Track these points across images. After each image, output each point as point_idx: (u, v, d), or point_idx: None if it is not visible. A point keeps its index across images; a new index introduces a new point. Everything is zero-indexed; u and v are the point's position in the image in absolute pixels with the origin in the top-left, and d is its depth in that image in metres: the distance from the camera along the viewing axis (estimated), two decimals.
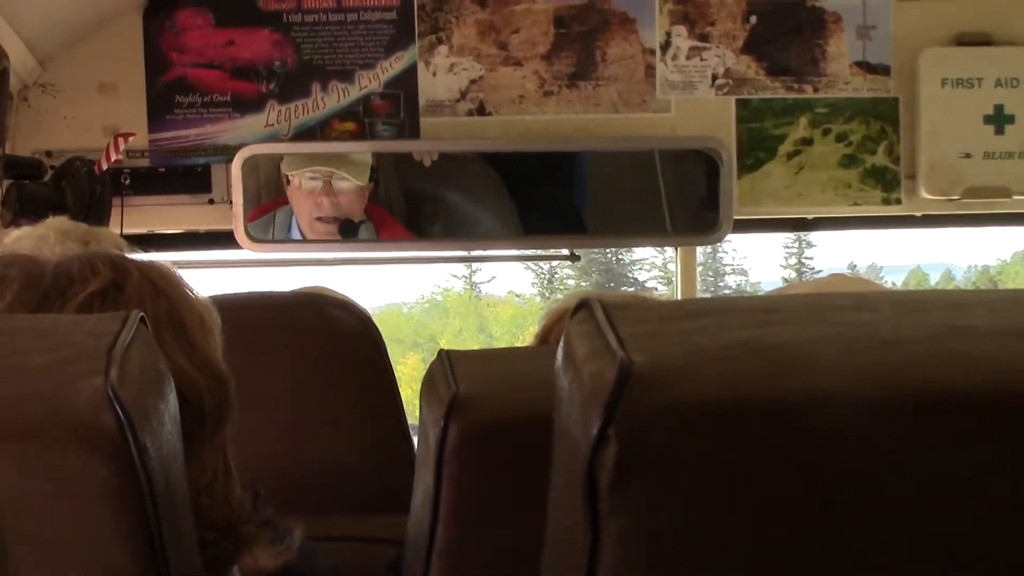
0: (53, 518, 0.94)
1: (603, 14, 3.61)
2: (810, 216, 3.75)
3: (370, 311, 2.69)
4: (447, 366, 1.69)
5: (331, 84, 3.59)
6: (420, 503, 1.76)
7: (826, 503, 0.89)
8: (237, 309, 2.58)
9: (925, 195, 3.61)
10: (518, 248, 3.86)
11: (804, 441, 0.88)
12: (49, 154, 3.39)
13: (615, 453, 0.85)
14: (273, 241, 3.53)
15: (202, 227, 3.59)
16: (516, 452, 1.45)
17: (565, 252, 3.82)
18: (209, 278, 3.59)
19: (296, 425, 2.66)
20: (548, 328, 2.96)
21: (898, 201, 3.66)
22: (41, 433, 0.84)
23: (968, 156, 3.56)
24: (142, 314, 1.01)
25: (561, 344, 0.98)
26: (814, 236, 13.21)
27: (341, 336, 2.81)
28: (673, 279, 4.00)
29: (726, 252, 17.03)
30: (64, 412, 0.91)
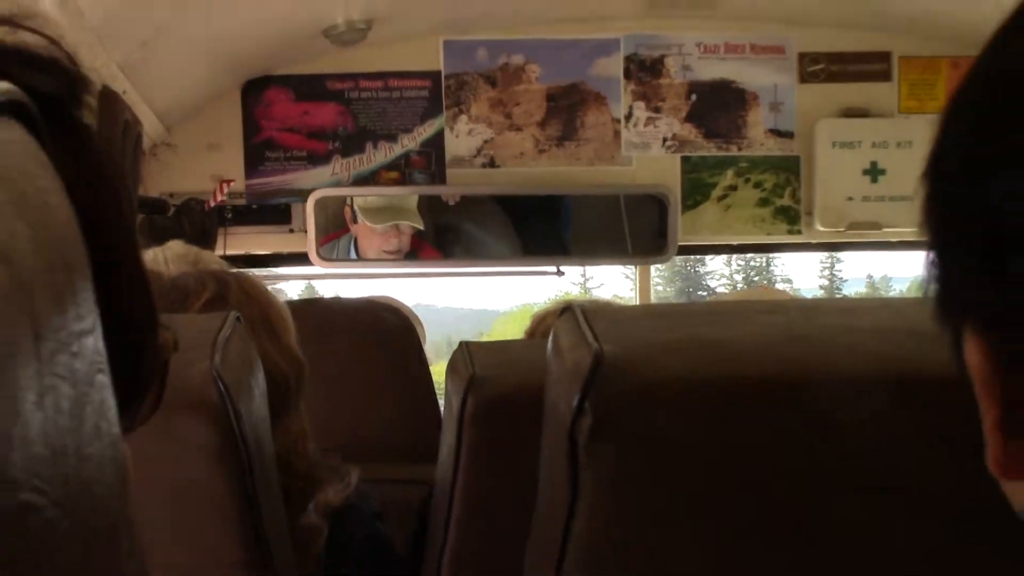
0: (171, 469, 0.97)
1: (582, 92, 3.64)
2: (735, 242, 3.79)
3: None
4: (466, 354, 1.72)
5: (380, 144, 3.61)
6: (445, 457, 1.78)
7: (751, 456, 0.90)
8: (316, 310, 2.76)
9: (819, 227, 3.63)
10: (518, 266, 3.84)
11: (734, 412, 0.90)
12: (171, 195, 3.41)
13: (590, 421, 0.88)
14: (336, 260, 3.55)
15: (284, 250, 3.60)
16: (519, 419, 1.46)
17: (553, 269, 3.79)
18: (289, 287, 3.57)
19: (354, 397, 2.65)
20: (534, 328, 2.87)
21: (799, 232, 3.69)
22: (165, 404, 0.80)
23: (851, 199, 3.60)
24: (238, 315, 1.06)
25: (550, 338, 1.00)
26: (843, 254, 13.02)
27: (388, 331, 2.80)
28: (633, 288, 3.93)
29: (776, 266, 17.00)
30: (182, 387, 0.92)
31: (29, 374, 0.26)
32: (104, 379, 0.32)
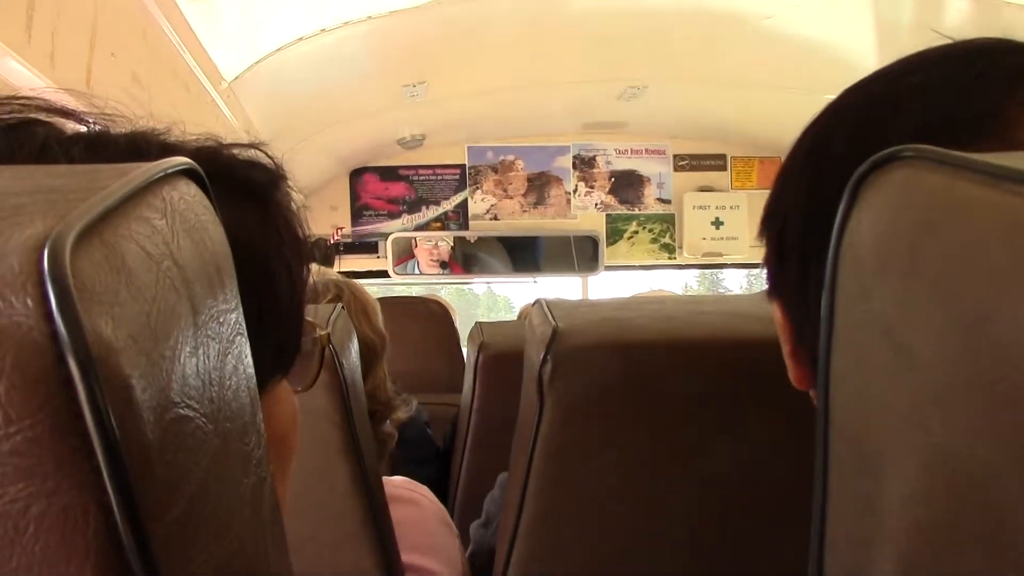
0: (301, 396, 0.81)
1: (548, 177, 3.71)
2: (636, 265, 3.79)
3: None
4: (479, 328, 1.82)
5: (430, 206, 3.66)
6: (466, 389, 1.84)
7: (640, 388, 0.88)
8: (393, 302, 2.85)
9: (686, 256, 3.70)
10: (509, 278, 3.85)
11: (631, 363, 0.89)
12: (308, 236, 3.35)
13: (550, 367, 0.87)
14: (405, 274, 3.60)
15: (374, 268, 3.62)
16: (509, 367, 1.48)
17: (531, 280, 3.87)
18: (376, 289, 3.56)
19: (413, 355, 2.71)
20: (523, 312, 3.03)
21: (674, 259, 3.75)
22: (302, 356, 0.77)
23: (704, 239, 3.69)
24: (343, 305, 1.01)
25: (528, 317, 0.97)
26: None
27: (433, 315, 2.89)
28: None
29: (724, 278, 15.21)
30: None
31: (188, 335, 0.25)
32: (242, 339, 0.31)
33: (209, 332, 0.28)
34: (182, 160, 0.30)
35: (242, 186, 0.48)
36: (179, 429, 0.24)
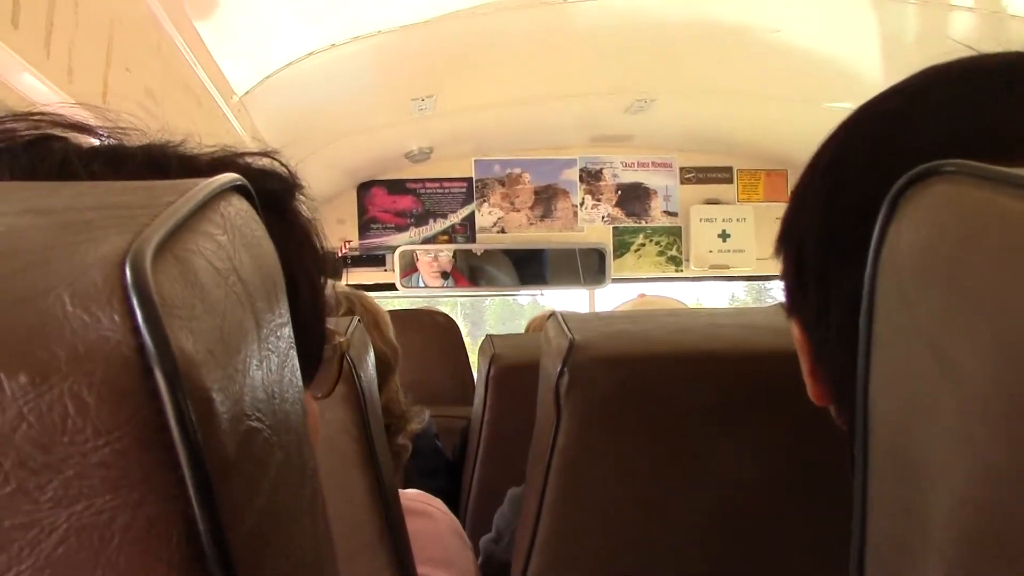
0: (321, 408, 0.80)
1: (555, 189, 3.70)
2: (644, 277, 3.76)
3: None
4: (490, 341, 1.81)
5: (438, 219, 3.66)
6: (477, 402, 1.84)
7: (655, 399, 0.89)
8: (403, 315, 2.89)
9: (693, 268, 3.69)
10: (516, 291, 3.88)
11: (645, 374, 0.89)
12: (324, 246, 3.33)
13: (567, 380, 0.88)
14: (411, 287, 3.57)
15: (381, 281, 3.60)
16: (522, 380, 1.56)
17: (537, 293, 3.92)
18: (385, 302, 3.51)
19: (421, 366, 2.69)
20: (530, 327, 2.97)
21: (681, 271, 3.73)
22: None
23: (711, 251, 3.69)
24: (359, 318, 1.00)
25: (544, 330, 0.98)
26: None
27: (438, 327, 2.90)
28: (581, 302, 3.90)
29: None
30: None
31: (254, 349, 0.26)
32: (293, 352, 0.32)
33: (270, 346, 0.28)
34: (234, 176, 0.30)
35: (259, 196, 0.49)
36: (251, 441, 0.24)
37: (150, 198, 0.26)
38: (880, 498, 0.34)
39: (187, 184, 0.27)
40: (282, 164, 0.53)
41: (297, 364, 0.32)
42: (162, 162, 0.46)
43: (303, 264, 0.50)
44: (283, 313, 0.31)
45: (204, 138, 0.52)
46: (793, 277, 0.59)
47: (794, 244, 0.58)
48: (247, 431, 0.24)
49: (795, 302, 0.59)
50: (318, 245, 0.54)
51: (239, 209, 0.29)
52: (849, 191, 0.53)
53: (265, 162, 0.53)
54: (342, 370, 0.64)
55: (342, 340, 0.61)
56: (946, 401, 0.30)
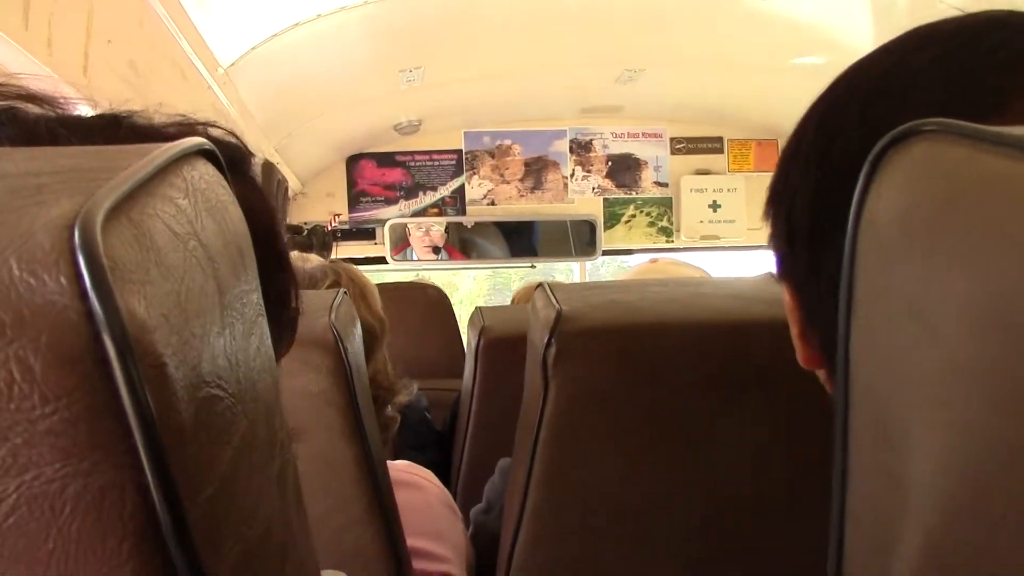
0: (307, 381, 0.93)
1: (545, 161, 3.70)
2: (635, 248, 3.78)
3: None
4: (479, 313, 1.81)
5: (427, 192, 3.65)
6: (467, 373, 1.83)
7: (641, 368, 0.89)
8: (393, 288, 2.86)
9: (684, 239, 3.70)
10: (507, 263, 3.89)
11: (632, 344, 0.89)
12: (305, 223, 3.41)
13: (554, 350, 0.88)
14: (403, 260, 3.59)
15: (371, 255, 3.61)
16: (510, 351, 1.59)
17: (528, 265, 3.89)
18: (375, 275, 3.50)
19: (412, 339, 2.70)
20: (516, 298, 3.08)
21: (672, 242, 3.74)
22: (303, 342, 0.80)
23: (701, 222, 3.69)
24: (345, 290, 1.01)
25: (531, 301, 0.97)
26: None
27: (430, 299, 2.90)
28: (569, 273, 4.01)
29: None
30: (312, 333, 0.91)
31: (215, 315, 0.25)
32: (262, 320, 0.31)
33: (234, 312, 0.27)
34: (199, 140, 0.30)
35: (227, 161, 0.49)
36: (210, 409, 0.24)
37: (107, 161, 0.25)
38: (860, 465, 0.34)
39: (149, 148, 0.27)
40: (227, 131, 0.53)
41: (267, 332, 0.32)
42: (118, 134, 0.46)
43: (270, 231, 0.50)
44: (250, 280, 0.30)
45: (189, 111, 0.52)
46: (783, 239, 0.58)
47: (784, 204, 0.58)
48: (206, 398, 0.24)
49: (785, 264, 0.59)
50: (276, 212, 0.54)
51: (203, 173, 0.29)
52: (841, 150, 0.53)
53: (218, 132, 0.53)
54: (294, 336, 0.62)
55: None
56: (925, 365, 0.29)
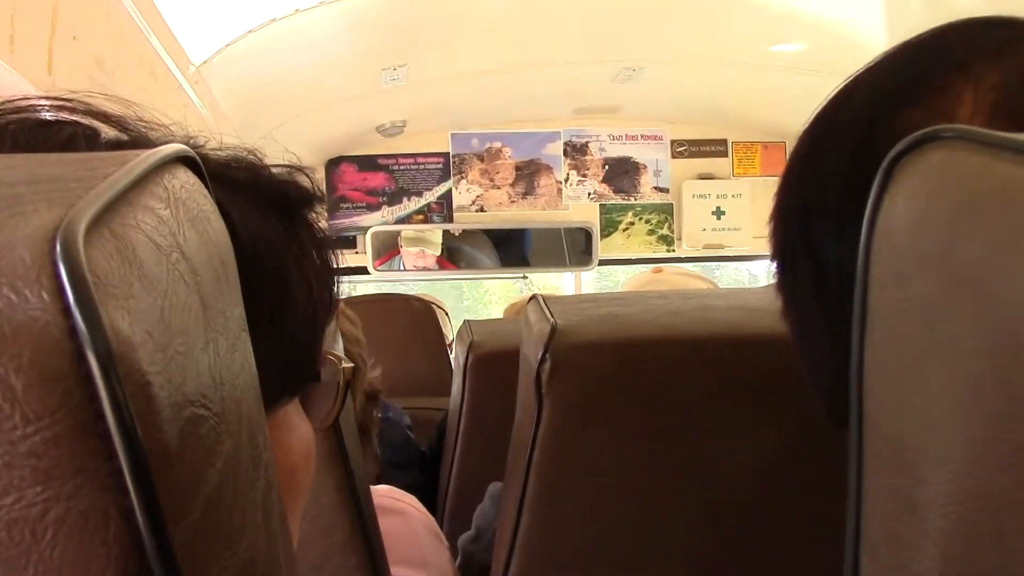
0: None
1: (538, 165, 3.69)
2: (633, 257, 3.78)
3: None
4: (468, 327, 1.80)
5: (412, 197, 3.64)
6: (455, 392, 1.82)
7: (641, 385, 0.89)
8: (374, 301, 2.90)
9: (686, 248, 3.70)
10: (497, 273, 3.90)
11: (631, 359, 0.89)
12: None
13: (549, 367, 0.88)
14: (387, 270, 3.60)
15: (352, 264, 3.56)
16: (501, 368, 1.53)
17: (520, 275, 3.89)
18: (354, 287, 3.58)
19: (397, 355, 2.67)
20: (508, 312, 3.09)
21: (673, 250, 3.73)
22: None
23: (704, 230, 3.68)
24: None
25: (524, 315, 0.98)
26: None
27: (416, 313, 2.89)
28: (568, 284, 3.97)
29: None
30: None
31: (199, 330, 0.25)
32: (246, 336, 0.31)
33: (217, 327, 0.28)
34: (178, 147, 0.30)
35: (275, 197, 0.49)
36: (195, 429, 0.24)
37: (87, 170, 0.25)
38: (876, 488, 0.34)
39: (128, 155, 0.27)
40: (308, 177, 0.54)
41: (250, 348, 0.32)
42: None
43: (301, 267, 0.49)
44: (233, 293, 0.30)
45: (159, 113, 0.51)
46: (776, 256, 0.60)
47: (789, 217, 0.59)
48: (191, 418, 0.24)
49: (782, 281, 0.60)
50: (330, 261, 0.55)
51: (185, 182, 0.29)
52: (848, 155, 0.54)
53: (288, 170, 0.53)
54: (344, 400, 0.62)
55: (346, 367, 0.60)
56: (941, 382, 0.30)
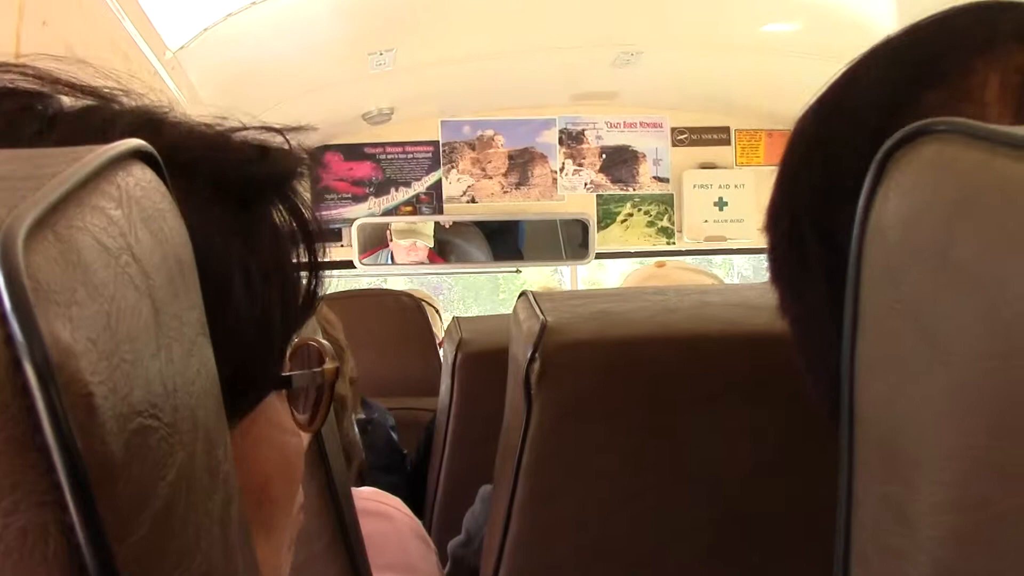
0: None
1: (532, 154, 3.68)
2: (632, 250, 3.77)
3: None
4: (456, 324, 1.81)
5: (400, 188, 3.63)
6: (443, 391, 1.84)
7: (635, 384, 0.89)
8: (359, 296, 2.91)
9: (686, 240, 3.69)
10: (489, 267, 3.87)
11: (625, 359, 0.89)
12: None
13: (538, 366, 0.88)
14: (372, 265, 3.57)
15: (337, 258, 3.52)
16: (490, 367, 1.52)
17: (512, 269, 3.91)
18: (338, 282, 3.54)
19: (383, 353, 2.69)
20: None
21: (673, 243, 3.73)
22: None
23: (706, 221, 3.68)
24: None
25: (513, 312, 0.98)
26: None
27: (405, 310, 2.90)
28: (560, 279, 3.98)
29: None
30: None
31: (150, 336, 0.25)
32: (204, 340, 0.31)
33: (171, 332, 0.27)
34: (135, 142, 0.30)
35: (231, 182, 0.45)
36: (143, 441, 0.24)
37: (35, 168, 0.25)
38: (867, 496, 0.34)
39: (80, 152, 0.27)
40: (290, 145, 0.50)
41: (210, 353, 0.31)
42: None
43: (244, 265, 0.45)
44: (190, 295, 0.30)
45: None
46: (775, 252, 0.61)
47: (787, 213, 0.60)
48: (138, 429, 0.24)
49: (779, 274, 0.61)
50: (284, 253, 0.50)
51: (140, 179, 0.29)
52: (849, 149, 0.54)
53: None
54: (329, 407, 0.59)
55: (330, 366, 0.56)
56: (934, 386, 0.30)
